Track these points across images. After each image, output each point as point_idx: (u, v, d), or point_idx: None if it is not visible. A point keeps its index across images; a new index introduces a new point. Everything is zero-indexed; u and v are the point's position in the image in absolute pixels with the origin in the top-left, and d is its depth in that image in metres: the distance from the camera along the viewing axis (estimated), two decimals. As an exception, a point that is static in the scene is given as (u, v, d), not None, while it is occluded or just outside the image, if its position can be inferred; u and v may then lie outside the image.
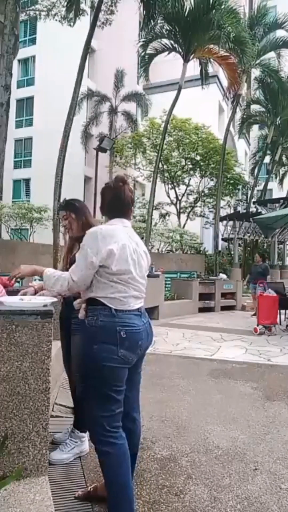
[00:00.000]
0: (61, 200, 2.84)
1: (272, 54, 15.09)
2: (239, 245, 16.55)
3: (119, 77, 21.17)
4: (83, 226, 2.63)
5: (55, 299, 2.32)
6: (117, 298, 1.87)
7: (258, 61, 14.47)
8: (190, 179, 18.11)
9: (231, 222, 15.02)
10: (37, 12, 16.64)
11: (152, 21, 11.41)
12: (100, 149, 12.44)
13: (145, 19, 11.42)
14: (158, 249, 14.31)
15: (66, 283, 1.91)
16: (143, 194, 20.95)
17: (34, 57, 24.61)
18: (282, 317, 8.22)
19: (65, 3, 12.21)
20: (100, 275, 1.88)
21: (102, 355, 1.81)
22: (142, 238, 2.15)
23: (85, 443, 2.56)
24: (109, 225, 1.98)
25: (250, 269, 10.29)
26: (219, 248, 15.09)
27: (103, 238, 1.87)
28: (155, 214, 16.82)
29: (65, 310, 2.63)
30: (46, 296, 2.41)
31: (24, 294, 2.54)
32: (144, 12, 11.30)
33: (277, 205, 15.48)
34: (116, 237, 1.90)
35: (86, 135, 21.29)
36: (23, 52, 21.73)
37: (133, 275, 1.92)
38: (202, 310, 10.62)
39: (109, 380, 1.84)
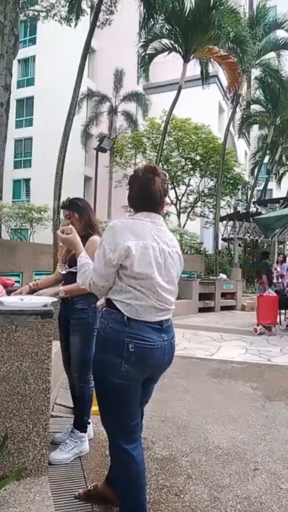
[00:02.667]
0: (65, 199, 2.76)
1: (272, 54, 15.08)
2: (239, 245, 16.54)
3: (118, 77, 21.19)
4: (85, 226, 2.60)
5: (55, 299, 2.32)
6: (132, 306, 1.63)
7: (258, 61, 14.47)
8: (190, 179, 18.12)
9: (231, 222, 15.02)
10: (37, 13, 16.62)
11: (152, 20, 11.41)
12: (100, 149, 12.43)
13: (145, 18, 11.42)
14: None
15: (87, 283, 1.73)
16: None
17: (34, 57, 24.61)
18: (282, 317, 8.23)
19: (66, 4, 12.22)
20: (119, 277, 1.65)
21: (104, 367, 1.66)
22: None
23: (85, 443, 2.56)
24: (131, 219, 1.74)
25: (266, 270, 8.94)
26: (219, 248, 15.08)
27: (122, 233, 1.63)
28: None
29: (63, 311, 2.62)
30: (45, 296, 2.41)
31: (20, 293, 2.52)
32: (144, 11, 11.31)
33: (277, 205, 15.47)
34: (136, 234, 1.65)
35: (86, 135, 21.29)
36: (23, 52, 21.72)
37: (156, 280, 1.65)
38: (202, 310, 10.62)
39: (114, 395, 1.67)
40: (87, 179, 23.27)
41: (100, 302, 1.86)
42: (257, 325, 7.55)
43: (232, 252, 15.87)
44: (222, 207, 17.23)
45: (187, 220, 18.29)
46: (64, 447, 2.47)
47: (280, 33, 14.89)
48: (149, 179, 1.73)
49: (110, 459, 1.88)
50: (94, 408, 2.59)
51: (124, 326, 1.61)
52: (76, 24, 12.76)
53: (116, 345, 1.61)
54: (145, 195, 1.74)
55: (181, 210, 18.54)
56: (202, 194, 18.53)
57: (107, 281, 1.65)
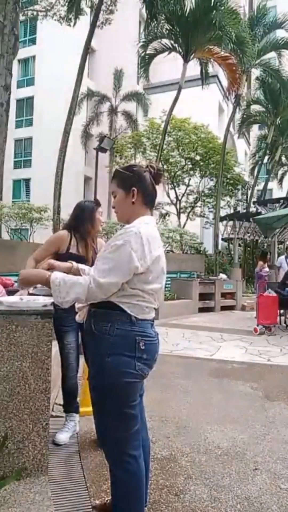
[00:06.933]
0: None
1: (273, 54, 15.11)
2: (239, 245, 16.55)
3: (118, 77, 21.21)
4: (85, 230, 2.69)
5: (54, 299, 2.30)
6: (140, 306, 1.61)
7: (258, 61, 14.49)
8: (190, 179, 18.12)
9: (231, 222, 15.02)
10: (36, 13, 16.64)
11: (155, 20, 11.43)
12: (100, 149, 12.43)
13: (147, 19, 11.45)
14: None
15: (86, 291, 1.54)
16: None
17: (34, 57, 24.65)
18: (282, 317, 8.22)
19: (65, 3, 12.24)
20: (131, 282, 1.57)
21: (117, 369, 1.56)
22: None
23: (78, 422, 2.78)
24: (147, 224, 1.64)
25: None
26: (219, 248, 15.09)
27: (148, 242, 1.56)
28: (155, 214, 16.83)
29: (57, 311, 2.59)
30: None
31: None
32: (147, 11, 11.33)
33: (277, 205, 15.47)
34: (158, 241, 1.64)
35: (86, 135, 21.31)
36: (23, 52, 21.76)
37: (162, 285, 1.69)
38: (202, 310, 10.61)
39: (125, 396, 1.60)
40: (87, 179, 23.28)
41: (81, 316, 1.78)
42: (257, 325, 7.55)
43: (232, 252, 15.87)
44: (222, 207, 17.23)
45: (187, 220, 18.29)
46: (66, 427, 2.69)
47: (279, 32, 14.92)
48: (159, 176, 1.72)
49: (110, 474, 1.71)
50: (87, 409, 2.70)
51: (133, 326, 1.59)
52: (75, 24, 12.78)
53: (128, 345, 1.58)
54: (152, 192, 1.71)
55: (181, 210, 18.54)
56: (202, 194, 18.53)
57: (117, 288, 1.55)
